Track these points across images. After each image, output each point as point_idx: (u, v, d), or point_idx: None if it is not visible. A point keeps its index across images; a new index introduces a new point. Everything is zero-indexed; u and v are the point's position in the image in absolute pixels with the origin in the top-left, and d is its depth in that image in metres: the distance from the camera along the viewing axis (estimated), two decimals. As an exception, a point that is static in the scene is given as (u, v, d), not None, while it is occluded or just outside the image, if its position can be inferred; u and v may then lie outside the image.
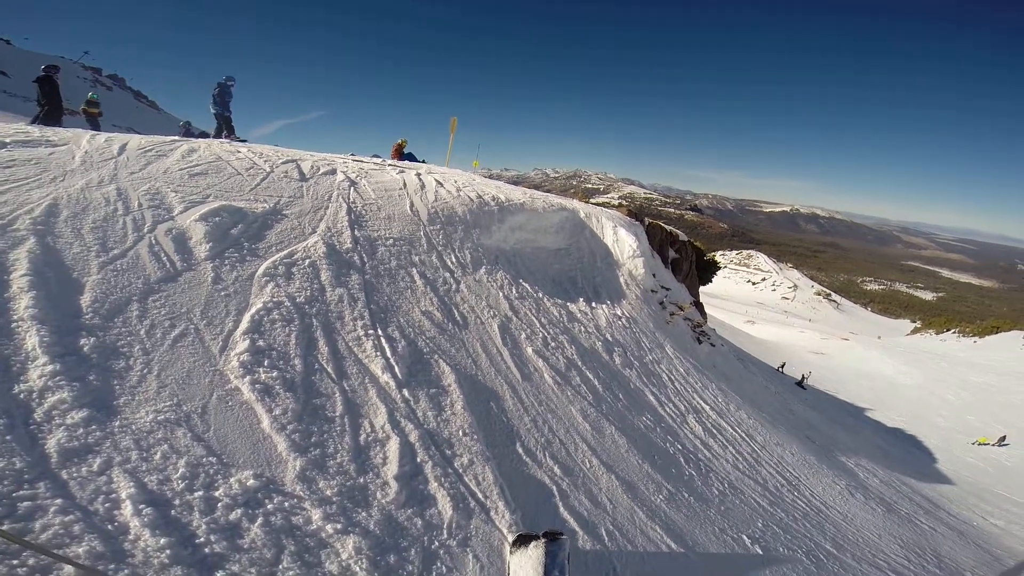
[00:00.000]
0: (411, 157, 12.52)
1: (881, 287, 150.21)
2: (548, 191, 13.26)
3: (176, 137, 6.49)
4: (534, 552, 2.44)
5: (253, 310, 3.52)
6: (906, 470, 10.60)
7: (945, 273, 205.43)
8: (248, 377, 2.95)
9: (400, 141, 13.18)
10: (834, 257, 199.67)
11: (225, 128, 12.04)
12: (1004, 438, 17.85)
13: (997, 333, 42.97)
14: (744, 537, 4.13)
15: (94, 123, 12.90)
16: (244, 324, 3.35)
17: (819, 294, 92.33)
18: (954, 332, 47.50)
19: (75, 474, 2.09)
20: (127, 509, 2.02)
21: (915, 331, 55.73)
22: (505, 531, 2.81)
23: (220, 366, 2.96)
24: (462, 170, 12.15)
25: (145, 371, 2.73)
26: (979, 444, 16.22)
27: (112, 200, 4.12)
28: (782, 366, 19.46)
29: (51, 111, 10.72)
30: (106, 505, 2.02)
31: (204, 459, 2.40)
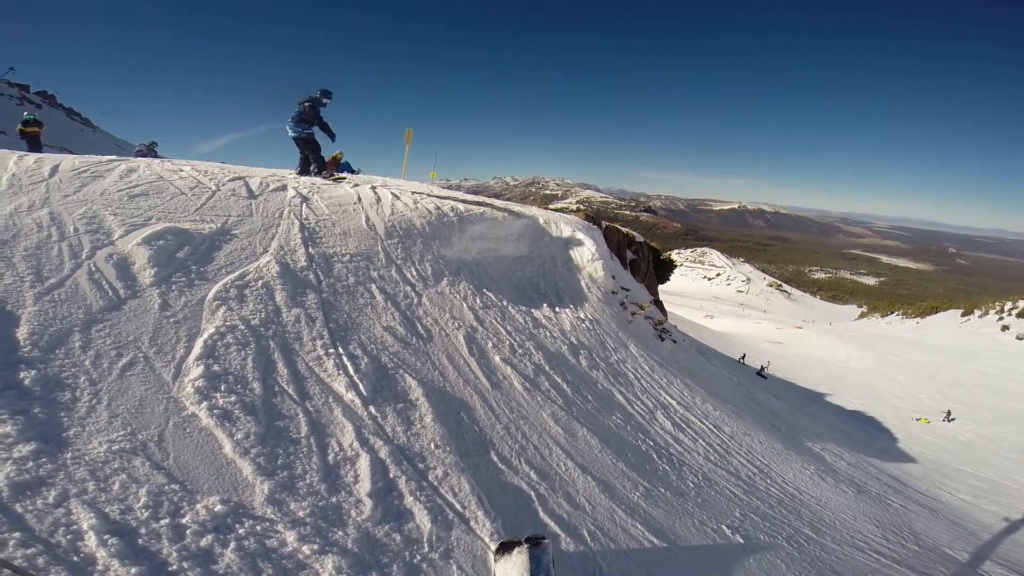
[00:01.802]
0: (347, 167, 12.37)
1: (827, 275, 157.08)
2: (508, 199, 13.31)
3: (113, 157, 6.16)
4: (518, 558, 2.39)
5: (205, 335, 3.36)
6: (870, 451, 11.00)
7: (884, 259, 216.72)
8: (205, 403, 2.80)
9: (336, 153, 12.96)
10: (782, 249, 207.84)
11: (313, 160, 8.91)
12: (949, 413, 18.85)
13: (936, 313, 45.50)
14: (724, 527, 4.18)
15: (35, 144, 12.14)
16: (197, 350, 3.19)
17: (771, 286, 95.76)
18: (898, 315, 50.02)
19: (30, 507, 1.99)
20: (91, 540, 1.94)
21: (862, 315, 58.42)
22: (487, 539, 2.75)
23: (174, 393, 2.81)
24: (419, 181, 12.06)
25: (94, 402, 2.58)
26: (923, 423, 16.97)
27: (45, 225, 3.88)
28: (742, 357, 20.01)
29: None
30: (68, 537, 1.93)
31: (166, 487, 2.30)
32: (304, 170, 8.95)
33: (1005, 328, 37.58)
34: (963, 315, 43.09)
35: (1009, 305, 40.42)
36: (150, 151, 13.61)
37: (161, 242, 4.14)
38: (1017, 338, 35.39)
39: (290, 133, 8.71)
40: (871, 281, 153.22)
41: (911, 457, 12.14)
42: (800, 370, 22.71)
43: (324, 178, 8.62)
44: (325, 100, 8.70)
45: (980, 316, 41.54)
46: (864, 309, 65.87)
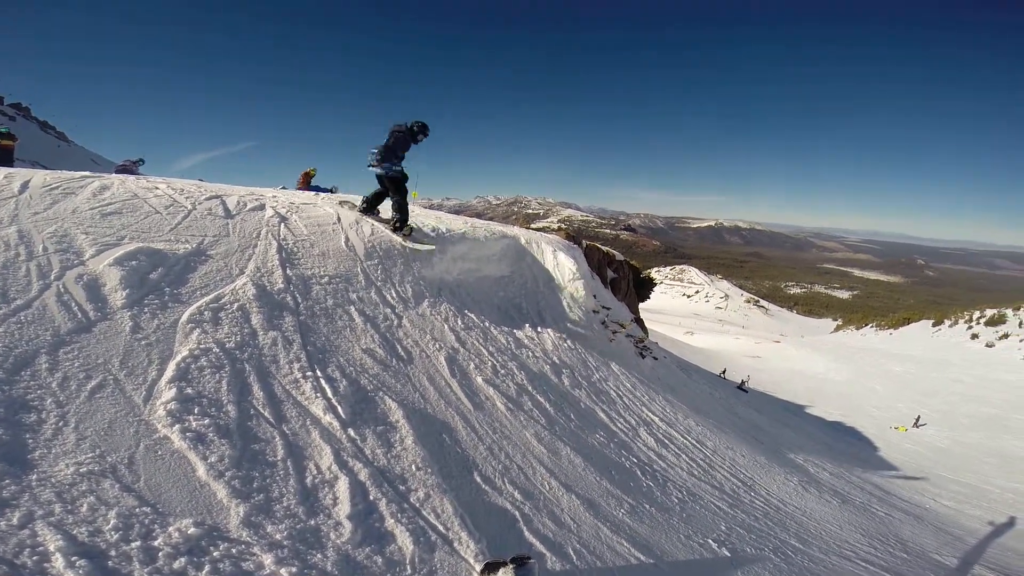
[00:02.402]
0: (317, 188, 12.04)
1: (803, 290, 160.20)
2: (490, 218, 13.37)
3: (86, 173, 6.02)
4: (503, 579, 2.35)
5: (178, 358, 3.27)
6: (852, 461, 11.11)
7: (856, 272, 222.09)
8: (177, 426, 2.72)
9: (309, 170, 12.72)
10: (758, 266, 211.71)
11: (396, 206, 7.37)
12: (919, 419, 19.27)
13: (908, 324, 46.60)
14: (710, 541, 4.15)
15: (7, 158, 11.81)
16: (169, 372, 3.10)
17: (749, 301, 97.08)
18: (872, 326, 51.07)
19: None
20: (59, 562, 1.85)
21: (838, 328, 59.48)
22: (472, 560, 2.69)
23: (145, 416, 2.72)
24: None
25: (60, 424, 2.49)
26: (900, 431, 17.23)
27: (13, 244, 3.77)
28: (723, 372, 20.18)
29: None
30: (34, 558, 1.84)
31: (137, 509, 2.21)
32: (370, 208, 7.73)
33: (975, 337, 38.62)
34: (934, 325, 44.20)
35: (977, 314, 41.62)
36: (134, 168, 13.07)
37: (134, 263, 4.04)
38: (986, 346, 36.39)
39: (376, 170, 7.32)
40: (845, 295, 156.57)
41: (893, 466, 12.29)
42: (780, 383, 22.96)
43: (398, 232, 7.29)
44: (421, 137, 7.42)
45: (950, 326, 42.66)
46: (839, 322, 67.10)
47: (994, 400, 21.87)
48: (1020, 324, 37.38)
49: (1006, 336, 36.73)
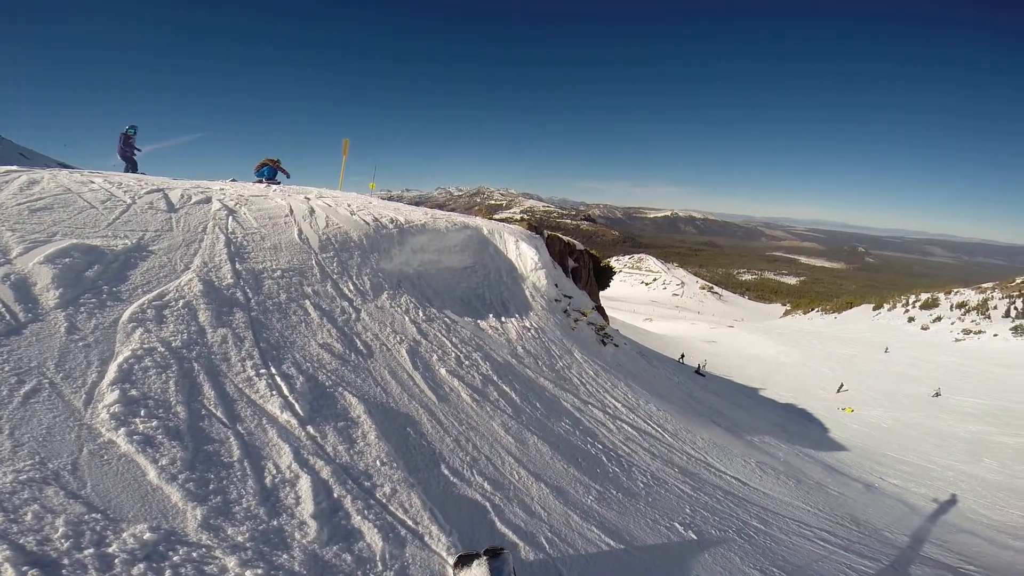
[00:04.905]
0: (272, 174, 11.35)
1: (754, 276, 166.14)
2: (452, 209, 13.20)
3: (13, 167, 5.56)
4: (478, 571, 2.30)
5: (120, 359, 3.05)
6: (804, 442, 11.57)
7: (803, 260, 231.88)
8: (123, 429, 2.53)
9: (275, 159, 11.84)
10: (712, 254, 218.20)
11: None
12: (842, 385, 20.88)
13: (851, 308, 48.99)
14: (676, 524, 4.22)
15: None
16: (111, 374, 2.89)
17: (703, 288, 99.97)
18: (818, 311, 53.44)
19: None
20: (8, 572, 1.72)
21: (787, 313, 62.02)
22: (444, 554, 2.63)
23: (87, 420, 2.52)
24: (357, 192, 11.74)
25: (-7, 431, 2.28)
26: (847, 412, 18.17)
27: (-71, 245, 3.45)
28: (682, 357, 20.69)
29: None
30: None
31: (86, 516, 2.05)
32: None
33: (911, 320, 40.94)
34: (874, 309, 46.64)
35: (913, 298, 44.10)
36: (127, 140, 11.66)
37: (67, 260, 3.75)
38: (922, 328, 38.64)
39: None
40: (793, 280, 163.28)
41: (842, 446, 12.87)
42: (735, 367, 23.73)
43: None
44: None
45: (889, 309, 45.11)
46: (788, 307, 70.00)
47: (929, 381, 23.25)
48: (951, 307, 39.93)
49: (939, 319, 39.15)
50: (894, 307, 44.28)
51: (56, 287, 3.44)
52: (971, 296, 40.45)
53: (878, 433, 15.56)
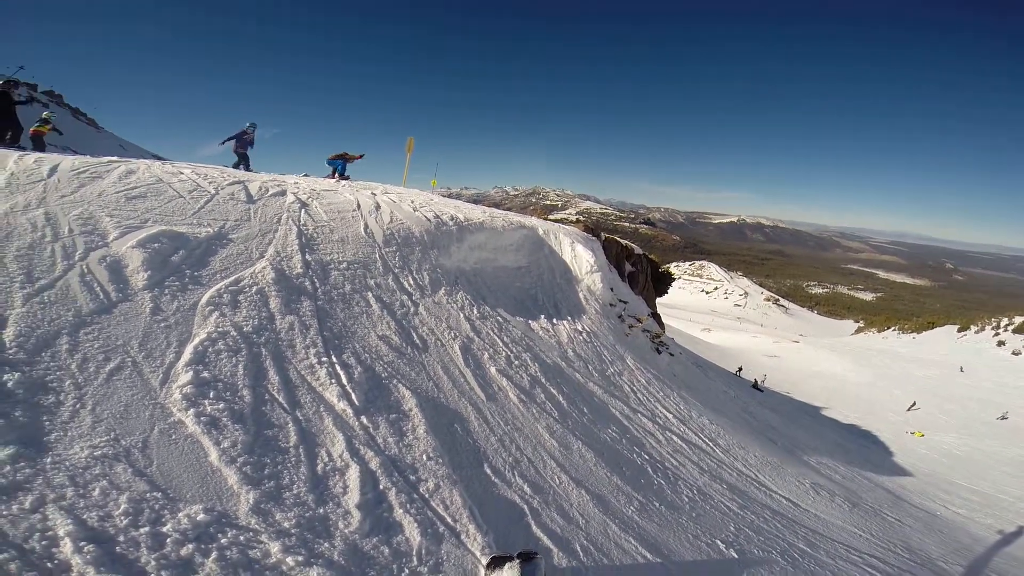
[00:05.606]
0: (343, 167, 11.83)
1: (825, 290, 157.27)
2: (508, 209, 13.31)
3: (114, 158, 6.11)
4: (509, 574, 2.34)
5: (196, 341, 3.31)
6: (865, 465, 10.93)
7: (881, 274, 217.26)
8: (192, 410, 2.75)
9: (358, 154, 12.35)
10: (780, 264, 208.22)
11: None
12: (914, 403, 19.37)
13: (932, 328, 45.53)
14: (718, 542, 4.11)
15: (39, 144, 12.05)
16: (187, 355, 3.14)
17: (768, 300, 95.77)
18: (894, 330, 50.03)
19: (4, 512, 1.93)
20: (67, 547, 1.88)
21: (859, 331, 58.43)
22: (478, 554, 2.69)
23: (161, 399, 2.76)
24: (419, 189, 12.05)
25: (78, 406, 2.53)
26: (917, 436, 16.98)
27: (39, 226, 3.85)
28: (739, 370, 19.96)
29: (12, 132, 9.92)
30: (43, 543, 1.87)
31: (148, 494, 2.23)
32: None
33: (1001, 343, 37.58)
34: (959, 331, 43.13)
35: (1005, 321, 40.46)
36: (251, 134, 11.91)
37: (156, 245, 4.10)
38: (1013, 353, 35.40)
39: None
40: (868, 296, 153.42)
41: (906, 471, 12.06)
42: (796, 383, 22.66)
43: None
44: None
45: (976, 332, 41.57)
46: (861, 324, 65.94)
47: (1014, 408, 21.32)
48: (1051, 332, 36.32)
49: (1034, 344, 35.69)
50: (983, 329, 40.77)
51: (145, 270, 3.76)
52: (1075, 322, 36.69)
53: (948, 460, 14.45)
